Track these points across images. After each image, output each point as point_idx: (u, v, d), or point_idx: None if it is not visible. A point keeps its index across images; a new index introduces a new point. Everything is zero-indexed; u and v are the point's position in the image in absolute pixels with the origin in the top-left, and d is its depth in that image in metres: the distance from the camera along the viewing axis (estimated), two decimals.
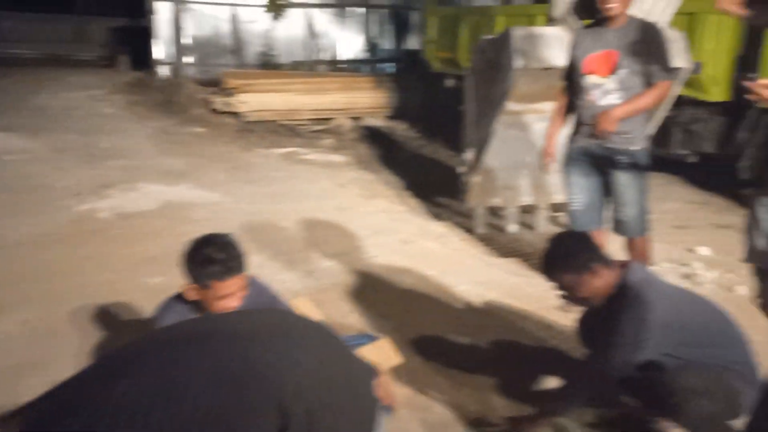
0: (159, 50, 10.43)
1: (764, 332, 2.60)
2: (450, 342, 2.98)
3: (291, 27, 11.30)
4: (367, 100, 9.43)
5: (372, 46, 11.91)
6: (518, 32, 3.75)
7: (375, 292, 3.52)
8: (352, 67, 11.55)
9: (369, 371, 1.57)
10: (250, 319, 1.57)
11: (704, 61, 5.36)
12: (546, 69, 3.71)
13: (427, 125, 8.59)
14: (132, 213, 4.72)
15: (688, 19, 5.41)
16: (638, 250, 3.21)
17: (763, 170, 2.35)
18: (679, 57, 3.84)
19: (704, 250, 4.15)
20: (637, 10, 3.31)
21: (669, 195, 5.59)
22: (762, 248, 2.36)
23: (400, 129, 8.95)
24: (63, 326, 3.01)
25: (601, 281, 2.17)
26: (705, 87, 5.49)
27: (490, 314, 3.30)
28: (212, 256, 1.94)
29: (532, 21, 6.66)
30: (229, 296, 1.98)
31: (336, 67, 11.44)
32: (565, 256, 2.18)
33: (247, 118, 8.51)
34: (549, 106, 4.13)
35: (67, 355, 2.72)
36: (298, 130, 8.58)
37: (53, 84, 9.57)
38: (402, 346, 2.75)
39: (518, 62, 3.67)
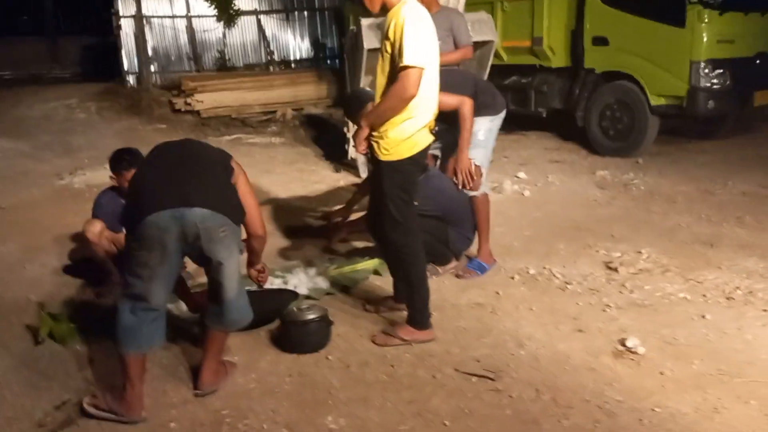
0: (126, 62, 11.72)
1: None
2: None
3: (243, 33, 12.65)
4: (310, 93, 10.80)
5: (317, 45, 13.28)
6: (366, 22, 5.14)
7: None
8: (300, 65, 12.92)
9: None
10: None
11: (543, 36, 6.81)
12: None
13: None
14: (99, 183, 6.06)
15: (530, 3, 6.86)
16: None
17: None
18: (486, 32, 5.28)
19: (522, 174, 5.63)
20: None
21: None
22: None
23: (338, 115, 10.33)
24: (49, 245, 4.41)
25: None
26: (549, 57, 6.95)
27: None
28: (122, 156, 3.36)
29: None
30: None
31: (286, 66, 12.81)
32: None
33: (203, 115, 9.87)
34: None
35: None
36: (248, 122, 9.92)
37: (30, 98, 10.78)
38: None
39: (366, 44, 5.06)
